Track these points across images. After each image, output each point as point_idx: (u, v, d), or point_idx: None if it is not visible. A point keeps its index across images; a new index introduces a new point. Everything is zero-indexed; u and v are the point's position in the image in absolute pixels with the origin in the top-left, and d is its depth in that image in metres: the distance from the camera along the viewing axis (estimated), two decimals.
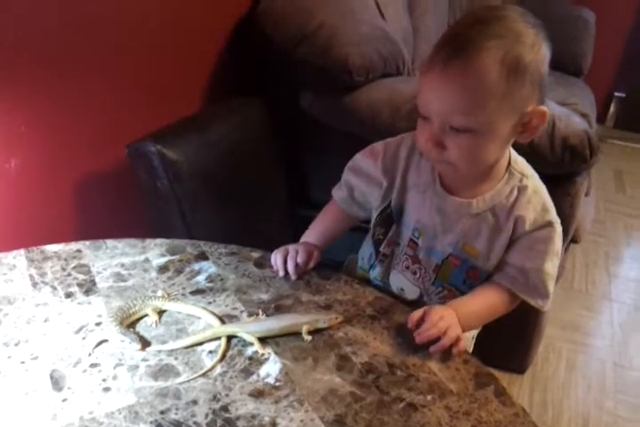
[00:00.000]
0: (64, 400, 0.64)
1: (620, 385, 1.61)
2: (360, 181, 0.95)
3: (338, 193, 0.99)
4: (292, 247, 0.91)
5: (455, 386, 0.70)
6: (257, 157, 1.40)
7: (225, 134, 1.30)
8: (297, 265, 0.88)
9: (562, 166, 1.21)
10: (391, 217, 0.93)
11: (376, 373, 0.71)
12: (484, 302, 0.87)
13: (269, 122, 1.45)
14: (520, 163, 0.86)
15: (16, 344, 0.71)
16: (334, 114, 1.40)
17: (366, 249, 1.01)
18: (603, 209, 2.62)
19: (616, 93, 3.46)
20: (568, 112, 1.27)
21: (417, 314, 0.78)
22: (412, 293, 0.96)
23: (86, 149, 1.13)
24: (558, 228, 0.85)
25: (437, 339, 0.75)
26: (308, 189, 1.57)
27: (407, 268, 0.95)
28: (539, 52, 0.74)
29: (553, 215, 0.85)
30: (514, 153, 0.86)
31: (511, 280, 0.87)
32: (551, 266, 0.85)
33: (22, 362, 0.69)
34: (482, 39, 0.71)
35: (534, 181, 0.86)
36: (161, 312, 0.79)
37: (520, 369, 1.59)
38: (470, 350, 1.04)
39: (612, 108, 3.49)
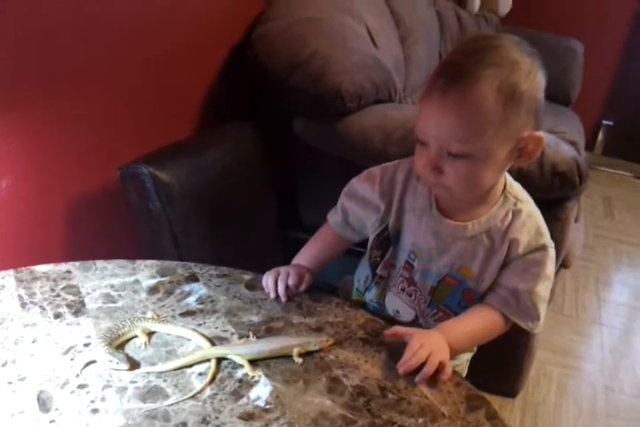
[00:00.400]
0: (51, 422, 0.63)
1: (611, 409, 1.61)
2: (356, 206, 0.95)
3: (333, 217, 1.00)
4: (283, 269, 0.91)
5: (447, 409, 0.70)
6: (249, 181, 1.41)
7: (217, 158, 1.31)
8: (287, 287, 0.88)
9: (551, 192, 1.23)
10: (388, 240, 0.93)
11: (367, 396, 0.71)
12: (476, 324, 0.87)
13: (262, 147, 1.46)
14: (515, 188, 0.88)
15: (3, 365, 0.70)
16: (327, 139, 1.42)
17: (362, 271, 1.02)
18: (592, 235, 2.64)
19: (604, 122, 3.52)
20: (557, 140, 1.30)
21: (399, 330, 0.79)
22: (407, 315, 0.96)
23: (78, 169, 1.14)
24: (552, 252, 0.86)
25: (422, 367, 0.74)
26: (299, 213, 1.58)
27: (403, 290, 0.95)
28: (534, 80, 0.76)
29: (547, 239, 0.86)
30: (509, 178, 0.88)
31: (503, 302, 0.87)
32: (543, 289, 0.86)
33: (9, 383, 0.68)
34: (479, 68, 0.73)
35: (529, 206, 0.87)
36: (150, 334, 0.78)
37: (511, 393, 1.58)
38: (465, 373, 1.03)
39: (600, 136, 3.55)
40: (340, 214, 0.98)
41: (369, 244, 0.98)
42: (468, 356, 1.03)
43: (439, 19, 2.46)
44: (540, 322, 0.87)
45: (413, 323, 0.95)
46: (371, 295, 1.00)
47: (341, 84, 1.33)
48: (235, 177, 1.34)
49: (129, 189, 1.14)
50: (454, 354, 0.81)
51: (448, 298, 0.91)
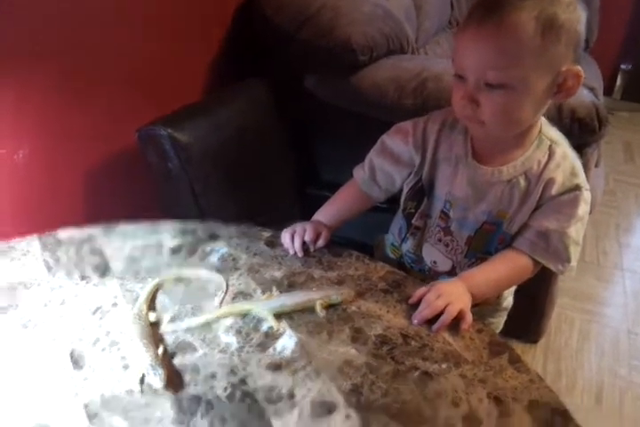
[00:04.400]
0: (85, 379, 0.65)
1: (633, 351, 1.62)
2: (385, 162, 0.95)
3: (359, 174, 0.99)
4: (300, 226, 0.91)
5: (469, 355, 0.71)
6: (265, 139, 1.41)
7: (233, 117, 1.30)
8: (304, 243, 0.89)
9: (571, 138, 1.19)
10: (422, 191, 0.93)
11: (390, 344, 0.72)
12: (500, 270, 0.87)
13: (276, 104, 1.45)
14: (550, 130, 0.87)
15: (35, 326, 0.72)
16: (340, 94, 1.39)
17: (397, 224, 1.02)
18: (613, 180, 2.60)
19: (622, 66, 3.41)
20: None
21: (420, 291, 0.79)
22: (444, 265, 0.96)
23: (95, 134, 1.14)
24: (586, 193, 0.85)
25: (440, 316, 0.75)
26: (317, 169, 1.57)
27: (439, 240, 0.95)
28: (574, 12, 0.74)
29: (582, 180, 0.85)
30: (545, 121, 0.86)
31: (531, 245, 0.86)
32: (575, 231, 0.85)
33: (42, 343, 0.70)
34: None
35: (564, 148, 0.86)
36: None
37: (533, 339, 1.61)
38: (500, 326, 1.05)
39: (618, 81, 3.44)
40: (368, 171, 0.97)
41: (402, 196, 0.98)
42: (507, 304, 1.05)
43: None
44: (571, 265, 0.87)
45: (450, 273, 0.96)
46: (407, 247, 1.00)
47: (352, 35, 1.30)
48: (251, 135, 1.33)
49: (148, 150, 1.14)
50: (477, 301, 0.81)
51: (485, 246, 0.91)
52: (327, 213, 0.99)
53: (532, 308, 1.48)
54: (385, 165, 0.95)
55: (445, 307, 0.75)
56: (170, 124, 1.13)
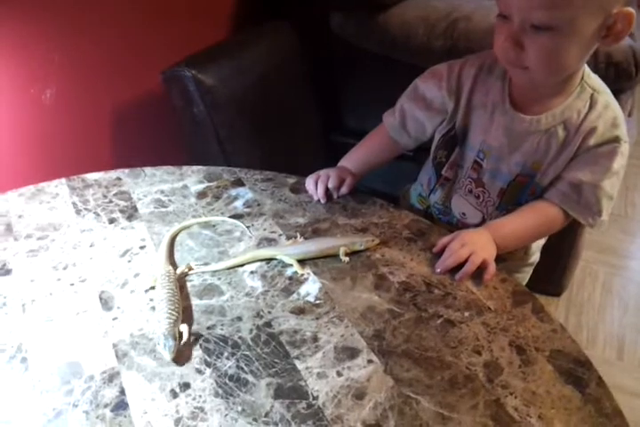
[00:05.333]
0: (114, 319, 0.67)
1: None
2: (417, 107, 0.92)
3: (389, 119, 0.96)
4: (323, 172, 0.91)
5: (492, 304, 0.71)
6: (290, 83, 1.38)
7: (257, 60, 1.27)
8: (327, 189, 0.88)
9: (605, 83, 1.16)
10: (455, 139, 0.90)
11: (413, 291, 0.72)
12: (529, 220, 0.86)
13: (301, 46, 1.41)
14: (593, 78, 0.82)
15: (64, 268, 0.74)
16: (366, 35, 1.35)
17: (425, 174, 1.00)
18: None
19: None
20: None
21: (444, 240, 0.79)
22: (474, 217, 0.95)
23: (120, 76, 1.13)
24: (625, 146, 0.81)
25: (463, 264, 0.75)
26: (341, 116, 1.55)
27: (470, 191, 0.93)
28: None
29: (622, 132, 0.81)
30: (587, 69, 0.82)
31: (563, 196, 0.84)
32: (609, 184, 0.82)
33: (72, 284, 0.72)
34: None
35: (607, 97, 0.82)
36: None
37: (556, 292, 1.61)
38: (525, 281, 1.04)
39: None
40: (398, 117, 0.94)
41: (433, 144, 0.95)
42: (529, 270, 1.04)
43: None
44: (603, 219, 0.85)
45: (480, 225, 0.93)
46: (436, 198, 0.98)
47: None
48: (275, 79, 1.31)
49: (173, 93, 1.13)
50: (502, 251, 0.81)
51: (517, 198, 0.89)
52: (353, 159, 0.97)
53: (555, 261, 1.47)
54: (416, 111, 0.92)
55: (469, 256, 0.75)
56: (194, 65, 1.11)
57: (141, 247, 0.78)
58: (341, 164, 0.97)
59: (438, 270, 0.76)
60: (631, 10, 0.71)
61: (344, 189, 0.90)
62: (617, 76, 1.14)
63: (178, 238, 0.80)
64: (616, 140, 0.81)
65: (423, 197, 1.02)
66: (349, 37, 1.37)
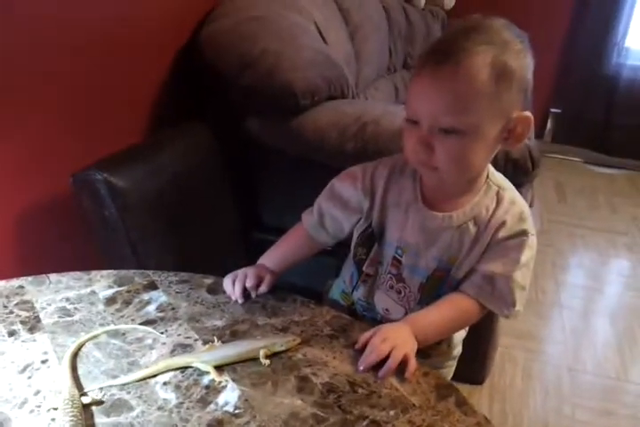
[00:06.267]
0: None
1: (576, 389, 1.65)
2: (334, 207, 0.94)
3: (307, 218, 0.98)
4: (241, 271, 0.90)
5: (417, 399, 0.70)
6: (206, 183, 1.39)
7: (172, 161, 1.28)
8: (246, 289, 0.87)
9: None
10: (373, 236, 0.92)
11: (337, 392, 0.70)
12: (446, 314, 0.87)
13: (217, 147, 1.44)
14: (497, 176, 0.88)
15: None
16: (282, 138, 1.40)
17: (347, 270, 1.00)
18: (547, 220, 2.71)
19: (552, 110, 3.61)
20: None
21: (365, 335, 0.78)
22: (397, 312, 0.94)
23: (26, 179, 1.09)
24: (532, 239, 0.85)
25: (385, 360, 0.74)
26: (260, 213, 1.56)
27: (391, 287, 0.94)
28: (524, 59, 0.77)
29: (529, 225, 0.85)
30: (491, 167, 0.88)
31: (477, 289, 0.86)
32: (520, 275, 0.85)
33: None
34: (471, 44, 0.74)
35: (511, 193, 0.87)
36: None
37: (478, 380, 1.61)
38: (451, 375, 1.04)
39: (549, 124, 3.64)
40: (316, 216, 0.96)
41: (353, 241, 0.96)
42: (454, 364, 1.04)
43: (387, 14, 2.48)
44: (517, 309, 0.86)
45: None
46: (359, 294, 0.98)
47: (293, 81, 1.32)
48: (191, 179, 1.31)
49: (83, 196, 1.10)
50: (422, 345, 0.81)
51: (436, 292, 0.90)
52: (272, 257, 0.97)
53: (475, 349, 1.48)
54: (333, 211, 0.94)
55: (391, 351, 0.75)
56: (106, 168, 1.09)
57: (43, 362, 0.72)
58: (260, 262, 0.96)
59: (361, 368, 0.74)
60: (529, 114, 0.79)
61: (263, 288, 0.89)
62: (515, 172, 1.23)
63: (84, 350, 0.75)
64: (524, 233, 0.85)
65: (346, 293, 1.02)
66: (265, 139, 1.42)
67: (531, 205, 1.56)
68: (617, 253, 2.50)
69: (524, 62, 0.77)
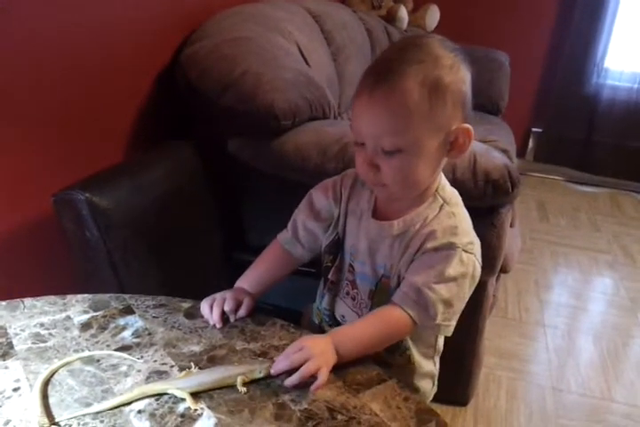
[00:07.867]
0: None
1: (560, 410, 1.64)
2: (307, 218, 0.96)
3: (281, 235, 1.00)
4: (219, 295, 0.89)
5: (397, 425, 0.69)
6: (189, 203, 1.38)
7: (155, 181, 1.27)
8: (224, 313, 0.86)
9: (485, 199, 1.26)
10: (338, 244, 0.95)
11: (316, 419, 0.69)
12: (372, 325, 0.84)
13: (200, 167, 1.43)
14: (448, 191, 0.89)
15: None
16: (263, 158, 1.41)
17: (320, 283, 1.01)
18: (529, 239, 2.73)
19: (533, 129, 3.67)
20: (488, 148, 1.34)
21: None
22: (352, 319, 0.95)
23: (5, 199, 1.08)
24: (465, 255, 0.83)
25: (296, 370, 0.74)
26: (243, 233, 1.56)
27: (347, 294, 0.95)
28: (458, 73, 0.79)
29: (460, 240, 0.83)
30: (444, 180, 0.89)
31: (403, 296, 0.84)
32: (445, 289, 0.82)
33: None
34: (402, 65, 0.77)
35: (455, 208, 0.87)
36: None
37: (463, 401, 1.60)
38: (429, 394, 1.03)
39: (530, 143, 3.69)
40: (290, 230, 0.98)
41: (322, 249, 0.98)
42: (429, 381, 1.02)
43: (369, 36, 2.51)
44: (438, 323, 0.83)
45: None
46: (324, 303, 0.99)
47: (274, 102, 1.32)
48: (174, 200, 1.30)
49: (64, 217, 1.09)
50: (345, 360, 0.78)
51: (386, 299, 0.88)
52: (249, 279, 0.96)
53: (459, 370, 1.49)
54: (307, 222, 0.96)
55: (303, 362, 0.74)
56: (88, 188, 1.08)
57: (15, 389, 0.70)
58: (238, 284, 0.96)
59: (272, 372, 0.74)
60: (468, 125, 0.81)
61: (242, 312, 0.88)
62: (495, 193, 1.25)
63: (57, 377, 0.73)
64: (452, 246, 0.83)
65: (319, 309, 1.02)
66: (247, 159, 1.42)
67: (512, 225, 1.57)
68: (599, 272, 2.52)
69: (457, 76, 0.79)
